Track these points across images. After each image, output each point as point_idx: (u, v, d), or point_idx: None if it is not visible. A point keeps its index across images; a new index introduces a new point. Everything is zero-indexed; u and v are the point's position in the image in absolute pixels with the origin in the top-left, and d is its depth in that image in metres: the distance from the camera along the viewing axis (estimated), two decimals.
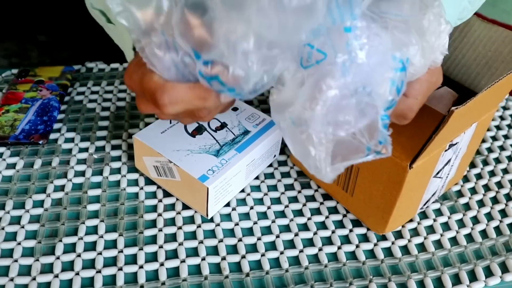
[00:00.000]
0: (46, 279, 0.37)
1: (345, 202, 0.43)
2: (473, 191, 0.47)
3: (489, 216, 0.45)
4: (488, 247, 0.42)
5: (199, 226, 0.42)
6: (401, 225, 0.43)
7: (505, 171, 0.50)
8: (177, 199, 0.44)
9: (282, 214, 0.44)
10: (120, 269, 0.38)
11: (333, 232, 0.42)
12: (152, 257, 0.39)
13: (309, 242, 0.41)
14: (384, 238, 0.42)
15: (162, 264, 0.39)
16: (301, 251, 0.41)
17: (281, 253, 0.40)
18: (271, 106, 0.28)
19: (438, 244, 0.42)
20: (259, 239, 0.41)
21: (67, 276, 0.37)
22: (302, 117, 0.26)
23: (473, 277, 0.40)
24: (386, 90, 0.26)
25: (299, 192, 0.46)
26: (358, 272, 0.39)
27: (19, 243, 0.40)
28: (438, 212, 0.45)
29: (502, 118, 0.57)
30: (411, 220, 0.44)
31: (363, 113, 0.26)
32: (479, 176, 0.49)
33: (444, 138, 0.35)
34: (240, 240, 0.41)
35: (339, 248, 0.41)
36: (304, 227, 0.43)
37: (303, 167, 0.45)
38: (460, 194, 0.47)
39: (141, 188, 0.45)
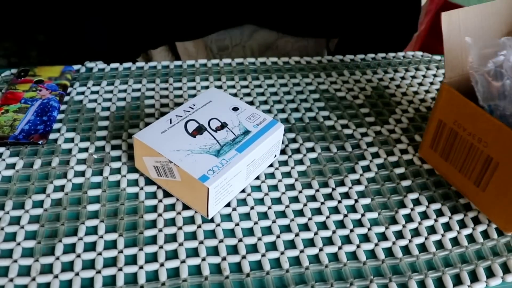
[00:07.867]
0: (46, 279, 0.37)
1: (473, 197, 0.41)
2: None
3: None
4: (489, 248, 0.42)
5: (199, 227, 0.42)
6: None
7: None
8: (177, 199, 0.44)
9: (282, 215, 0.44)
10: (120, 269, 0.38)
11: (333, 232, 0.42)
12: (152, 258, 0.39)
13: (310, 243, 0.41)
14: (385, 238, 0.42)
15: (162, 265, 0.39)
16: (301, 251, 0.40)
17: (282, 253, 0.40)
18: None
19: (439, 244, 0.42)
20: (259, 239, 0.41)
21: (67, 277, 0.37)
22: None
23: (474, 277, 0.39)
24: None
25: (300, 192, 0.46)
26: (359, 272, 0.39)
27: (18, 244, 0.39)
28: (439, 212, 0.45)
29: None
30: (411, 220, 0.44)
31: None
32: None
33: None
34: (240, 240, 0.41)
35: (339, 248, 0.41)
36: (305, 227, 0.43)
37: None
38: (460, 194, 0.47)
39: (141, 188, 0.45)
